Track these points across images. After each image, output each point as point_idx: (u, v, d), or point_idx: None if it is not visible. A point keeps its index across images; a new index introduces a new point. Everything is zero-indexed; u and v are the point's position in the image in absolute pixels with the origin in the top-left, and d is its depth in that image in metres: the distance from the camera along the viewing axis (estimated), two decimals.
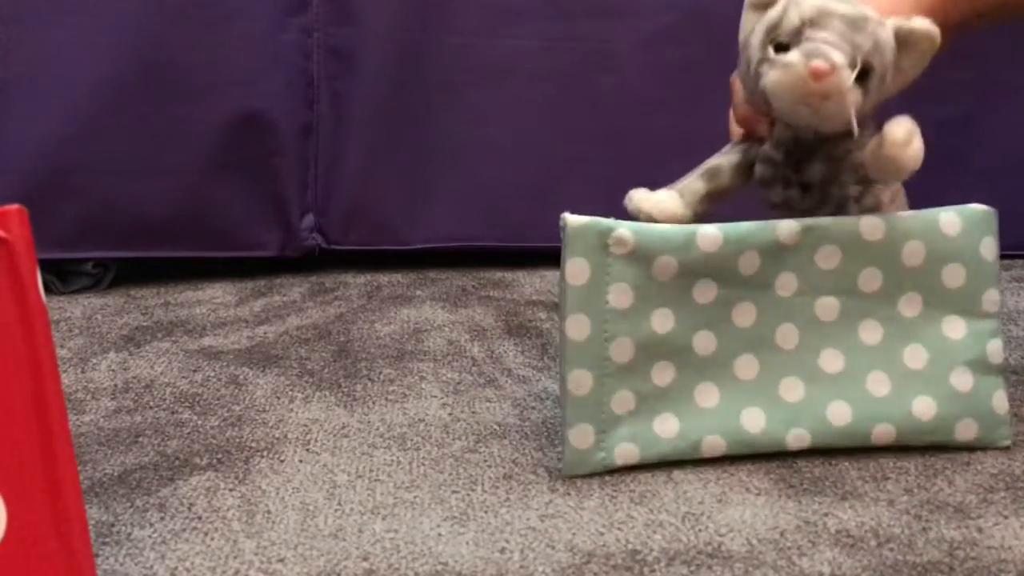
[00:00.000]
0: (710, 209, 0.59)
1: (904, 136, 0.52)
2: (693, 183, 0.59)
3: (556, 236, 0.81)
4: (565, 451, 0.54)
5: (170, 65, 0.91)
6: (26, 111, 0.88)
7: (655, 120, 1.03)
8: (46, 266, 0.94)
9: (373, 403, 0.65)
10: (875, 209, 0.57)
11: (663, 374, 0.55)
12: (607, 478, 0.53)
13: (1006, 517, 0.49)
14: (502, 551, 0.46)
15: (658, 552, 0.46)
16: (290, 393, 0.67)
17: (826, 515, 0.50)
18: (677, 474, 0.54)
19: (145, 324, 0.84)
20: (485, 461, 0.56)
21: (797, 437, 0.55)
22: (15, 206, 0.37)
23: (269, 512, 0.50)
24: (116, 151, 0.91)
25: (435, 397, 0.66)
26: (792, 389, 0.56)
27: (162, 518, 0.49)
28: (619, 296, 0.53)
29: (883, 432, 0.55)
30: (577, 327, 0.53)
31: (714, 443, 0.55)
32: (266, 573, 0.44)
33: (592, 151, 1.04)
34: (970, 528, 0.48)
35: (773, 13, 0.54)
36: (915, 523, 0.49)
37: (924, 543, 0.47)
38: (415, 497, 0.51)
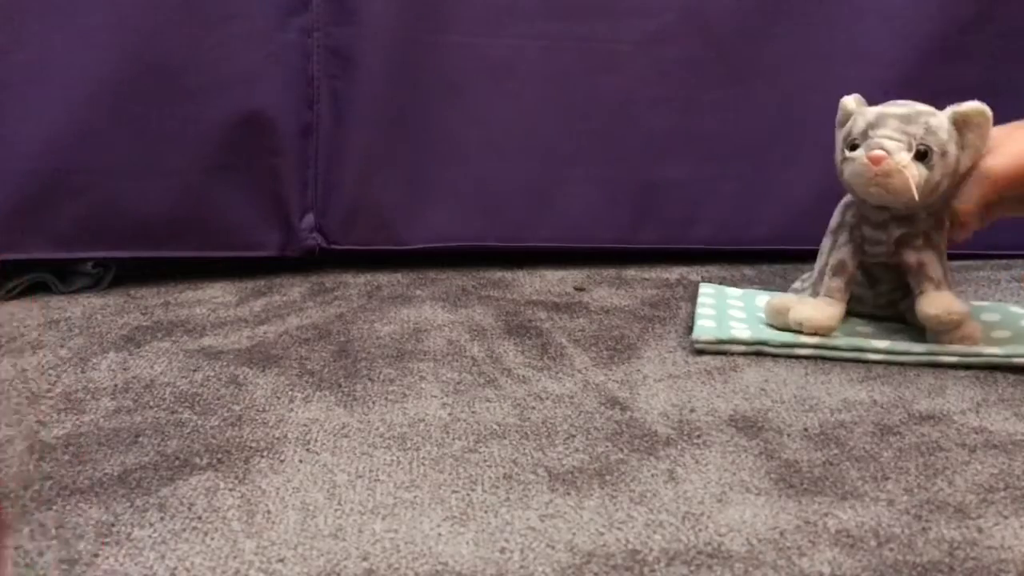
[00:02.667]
0: None
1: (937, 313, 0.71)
2: (832, 282, 0.74)
3: (556, 236, 0.83)
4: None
5: (170, 65, 0.91)
6: (26, 111, 0.88)
7: (655, 120, 1.03)
8: (46, 266, 0.94)
9: (373, 403, 0.65)
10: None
11: None
12: (607, 478, 0.54)
13: (1006, 517, 0.49)
14: (502, 551, 0.46)
15: (658, 552, 0.46)
16: (290, 393, 0.67)
17: (826, 515, 0.50)
18: (677, 474, 0.54)
19: (145, 324, 0.84)
20: (485, 461, 0.56)
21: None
22: None
23: (269, 512, 0.50)
24: (116, 151, 0.91)
25: (435, 397, 0.66)
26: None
27: (162, 518, 0.49)
28: None
29: None
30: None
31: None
32: (266, 573, 0.44)
33: (592, 151, 1.04)
34: (970, 528, 0.48)
35: (848, 125, 0.72)
36: (915, 523, 0.49)
37: (924, 543, 0.47)
38: (415, 497, 0.52)
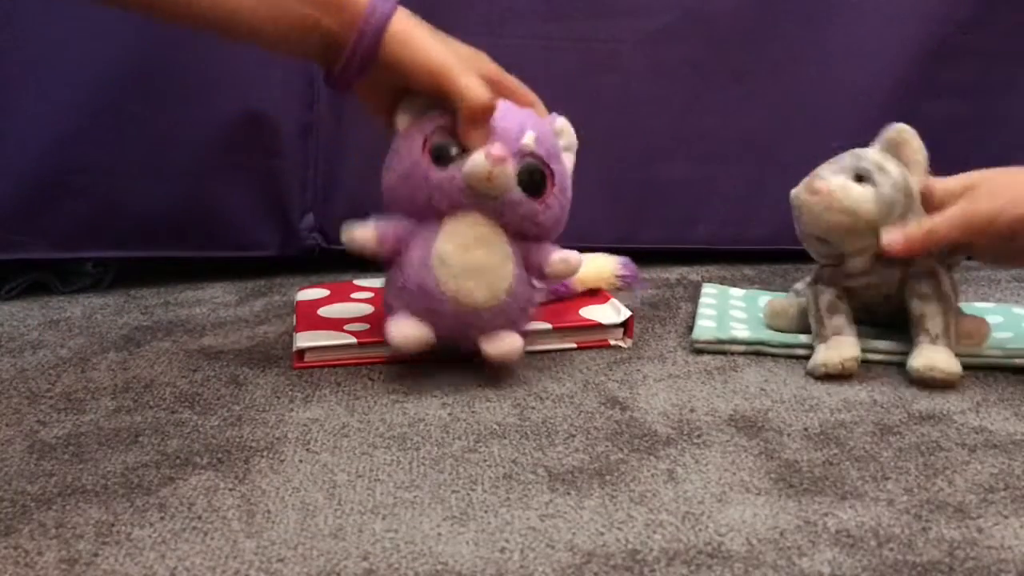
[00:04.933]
0: None
1: None
2: (833, 321, 0.72)
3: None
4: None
5: (170, 65, 0.91)
6: (26, 111, 0.88)
7: (655, 120, 1.03)
8: (46, 266, 0.94)
9: (373, 403, 0.65)
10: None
11: None
12: (607, 478, 0.54)
13: (1006, 517, 0.49)
14: (502, 551, 0.46)
15: (658, 552, 0.46)
16: (290, 393, 0.67)
17: (826, 515, 0.50)
18: (677, 474, 0.54)
19: (145, 324, 0.84)
20: (485, 461, 0.56)
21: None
22: None
23: (269, 512, 0.50)
24: (116, 151, 0.91)
25: (435, 397, 0.66)
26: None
27: (162, 518, 0.49)
28: None
29: None
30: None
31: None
32: (266, 573, 0.44)
33: (592, 151, 1.03)
34: (970, 528, 0.48)
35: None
36: (915, 523, 0.49)
37: (924, 543, 0.47)
38: (415, 497, 0.52)
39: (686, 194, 1.05)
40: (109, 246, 0.94)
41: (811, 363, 0.70)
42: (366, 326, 0.75)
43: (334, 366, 0.72)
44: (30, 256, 0.92)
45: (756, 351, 0.74)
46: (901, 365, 0.71)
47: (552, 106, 1.01)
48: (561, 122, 0.73)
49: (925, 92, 1.03)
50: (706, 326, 0.77)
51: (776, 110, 1.04)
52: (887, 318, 0.74)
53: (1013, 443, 0.58)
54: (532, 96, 0.73)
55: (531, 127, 0.67)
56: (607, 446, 0.58)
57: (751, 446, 0.58)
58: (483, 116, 0.64)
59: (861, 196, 0.68)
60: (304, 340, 0.72)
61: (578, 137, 1.04)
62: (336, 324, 0.76)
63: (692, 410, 0.63)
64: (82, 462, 0.56)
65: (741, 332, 0.76)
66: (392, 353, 0.70)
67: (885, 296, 0.73)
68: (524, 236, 0.68)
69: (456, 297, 0.65)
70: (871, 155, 0.70)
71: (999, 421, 0.62)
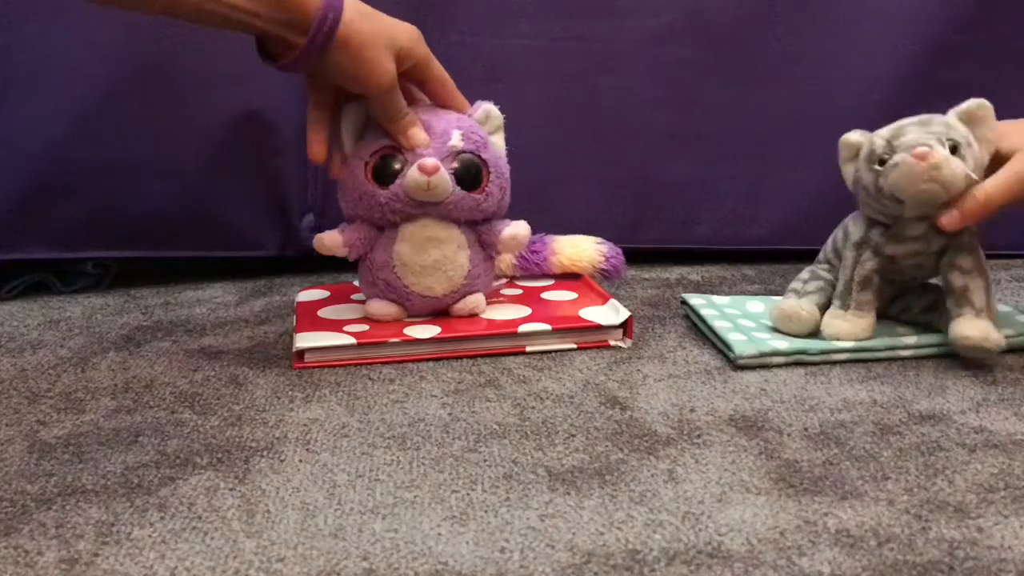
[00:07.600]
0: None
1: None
2: (861, 296, 0.74)
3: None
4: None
5: (170, 65, 0.91)
6: (26, 111, 0.88)
7: (655, 120, 1.03)
8: (46, 266, 0.94)
9: (373, 403, 0.65)
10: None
11: None
12: (607, 478, 0.54)
13: (1006, 517, 0.49)
14: (502, 551, 0.46)
15: (658, 552, 0.46)
16: (290, 393, 0.67)
17: (826, 515, 0.50)
18: (677, 473, 0.54)
19: (145, 324, 0.84)
20: (485, 461, 0.56)
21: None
22: None
23: (269, 512, 0.50)
24: (116, 151, 0.91)
25: (435, 397, 0.66)
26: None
27: (162, 518, 0.49)
28: None
29: None
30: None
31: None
32: (266, 573, 0.44)
33: (592, 151, 1.04)
34: (970, 528, 0.48)
35: (863, 151, 0.72)
36: (915, 523, 0.49)
37: (924, 543, 0.47)
38: (415, 497, 0.52)
39: (686, 194, 1.05)
40: (109, 246, 0.94)
41: (827, 329, 0.74)
42: (366, 327, 0.76)
43: (334, 366, 0.72)
44: (30, 256, 0.92)
45: (796, 361, 0.72)
46: (903, 360, 0.72)
47: (553, 106, 1.02)
48: (484, 109, 0.77)
49: (925, 92, 1.02)
50: (738, 340, 0.73)
51: (776, 110, 1.04)
52: (902, 290, 0.78)
53: (1013, 443, 0.58)
54: (451, 85, 0.76)
55: (455, 127, 0.74)
56: (607, 446, 0.58)
57: (751, 446, 0.58)
58: (410, 129, 0.73)
59: (959, 170, 0.67)
60: (304, 340, 0.72)
61: (578, 136, 1.05)
62: (336, 325, 0.76)
63: (692, 410, 0.63)
64: (82, 462, 0.56)
65: (780, 344, 0.73)
66: (392, 353, 0.73)
67: (919, 266, 0.73)
68: (475, 221, 0.76)
69: (419, 292, 0.76)
70: (959, 127, 0.69)
71: (999, 421, 0.62)
